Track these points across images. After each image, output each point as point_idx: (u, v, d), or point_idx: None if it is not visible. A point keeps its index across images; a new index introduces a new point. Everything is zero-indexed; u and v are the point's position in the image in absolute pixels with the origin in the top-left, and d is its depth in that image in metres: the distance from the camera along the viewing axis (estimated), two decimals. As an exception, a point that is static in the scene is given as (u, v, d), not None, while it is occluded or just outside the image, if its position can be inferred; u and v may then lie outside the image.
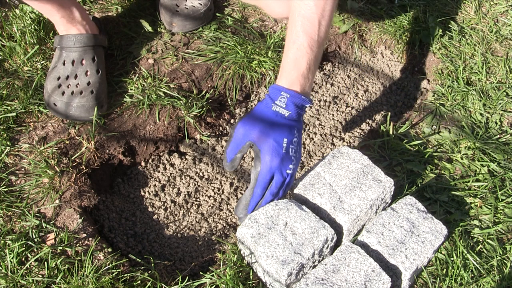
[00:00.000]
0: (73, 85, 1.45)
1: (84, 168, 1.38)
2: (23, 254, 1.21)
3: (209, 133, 1.56)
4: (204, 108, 1.54)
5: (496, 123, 1.55)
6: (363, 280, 1.11)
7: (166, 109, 1.52)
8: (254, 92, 1.65)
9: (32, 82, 1.51)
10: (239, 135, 1.21)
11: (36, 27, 1.61)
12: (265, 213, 1.19)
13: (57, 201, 1.31)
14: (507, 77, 1.64)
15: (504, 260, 1.27)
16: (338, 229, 1.22)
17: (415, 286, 1.23)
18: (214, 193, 1.46)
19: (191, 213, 1.43)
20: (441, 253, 1.26)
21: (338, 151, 1.32)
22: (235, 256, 1.24)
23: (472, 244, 1.29)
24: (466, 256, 1.25)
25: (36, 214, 1.29)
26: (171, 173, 1.49)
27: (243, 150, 1.21)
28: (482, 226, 1.33)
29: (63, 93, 1.44)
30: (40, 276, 1.17)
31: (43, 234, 1.26)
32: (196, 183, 1.48)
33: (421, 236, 1.20)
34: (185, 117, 1.52)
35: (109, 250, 1.25)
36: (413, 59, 1.77)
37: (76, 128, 1.45)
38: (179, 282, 1.19)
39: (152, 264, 1.25)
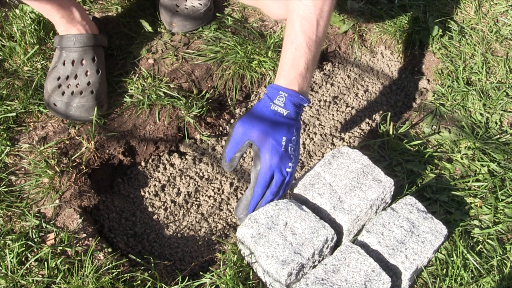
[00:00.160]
0: (73, 85, 1.45)
1: (84, 168, 1.38)
2: (23, 254, 1.21)
3: (209, 133, 1.56)
4: (204, 108, 1.54)
5: (496, 123, 1.55)
6: (363, 280, 1.11)
7: (166, 109, 1.52)
8: (254, 92, 1.65)
9: (32, 82, 1.51)
10: (238, 134, 1.21)
11: (36, 27, 1.61)
12: (265, 213, 1.19)
13: (57, 201, 1.31)
14: (507, 77, 1.64)
15: (504, 260, 1.27)
16: (338, 229, 1.22)
17: (415, 286, 1.23)
18: (214, 193, 1.46)
19: (191, 213, 1.43)
20: (441, 253, 1.26)
21: (338, 151, 1.32)
22: (235, 256, 1.24)
23: (472, 244, 1.29)
24: (466, 256, 1.25)
25: (36, 214, 1.29)
26: (171, 173, 1.49)
27: (242, 149, 1.22)
28: (482, 226, 1.33)
29: (63, 93, 1.44)
30: (40, 276, 1.17)
31: (43, 234, 1.26)
32: (196, 183, 1.48)
33: (421, 236, 1.20)
34: (185, 117, 1.52)
35: (109, 250, 1.25)
36: (413, 59, 1.77)
37: (76, 128, 1.45)
38: (179, 282, 1.19)
39: (152, 264, 1.25)
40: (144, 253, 1.33)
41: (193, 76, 1.60)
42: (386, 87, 1.72)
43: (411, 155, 1.47)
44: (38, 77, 1.51)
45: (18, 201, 1.31)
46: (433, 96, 1.63)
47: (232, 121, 1.61)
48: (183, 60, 1.62)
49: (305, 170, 1.50)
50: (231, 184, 1.48)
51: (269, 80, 1.63)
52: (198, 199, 1.45)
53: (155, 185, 1.47)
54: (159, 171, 1.49)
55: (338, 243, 1.23)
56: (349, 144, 1.56)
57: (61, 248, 1.23)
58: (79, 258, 1.21)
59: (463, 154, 1.47)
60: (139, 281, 1.19)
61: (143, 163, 1.51)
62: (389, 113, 1.56)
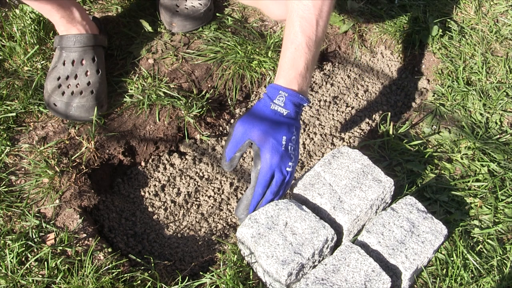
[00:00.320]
0: (73, 85, 1.45)
1: (84, 168, 1.38)
2: (23, 254, 1.21)
3: (209, 133, 1.56)
4: (204, 108, 1.54)
5: (496, 123, 1.55)
6: (363, 280, 1.11)
7: (166, 109, 1.52)
8: (254, 92, 1.65)
9: (32, 82, 1.51)
10: (238, 133, 1.21)
11: (36, 27, 1.61)
12: (265, 213, 1.19)
13: (57, 201, 1.31)
14: (507, 77, 1.64)
15: (504, 260, 1.27)
16: (338, 229, 1.22)
17: (415, 286, 1.23)
18: (214, 193, 1.46)
19: (191, 213, 1.43)
20: (441, 253, 1.26)
21: (338, 151, 1.32)
22: (235, 256, 1.24)
23: (472, 244, 1.29)
24: (466, 256, 1.25)
25: (36, 214, 1.29)
26: (171, 173, 1.49)
27: (242, 148, 1.22)
28: (482, 226, 1.33)
29: (63, 93, 1.44)
30: (40, 276, 1.17)
31: (43, 234, 1.26)
32: (196, 183, 1.48)
33: (421, 236, 1.20)
34: (185, 117, 1.52)
35: (109, 250, 1.25)
36: (413, 59, 1.77)
37: (76, 128, 1.45)
38: (179, 282, 1.19)
39: (152, 264, 1.25)
40: (144, 253, 1.33)
41: (193, 76, 1.60)
42: (386, 87, 1.72)
43: (411, 155, 1.47)
44: (38, 77, 1.51)
45: (18, 201, 1.31)
46: (433, 96, 1.63)
47: (232, 121, 1.61)
48: (183, 60, 1.62)
49: (305, 170, 1.50)
50: (231, 184, 1.48)
51: (269, 80, 1.63)
52: (198, 199, 1.45)
53: (155, 185, 1.47)
54: (159, 171, 1.49)
55: (338, 243, 1.23)
56: (349, 144, 1.56)
57: (61, 248, 1.23)
58: (79, 258, 1.21)
59: (463, 154, 1.47)
60: (139, 281, 1.19)
61: (143, 163, 1.51)
62: (389, 113, 1.56)
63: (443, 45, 1.73)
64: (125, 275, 1.19)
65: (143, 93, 1.52)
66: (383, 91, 1.71)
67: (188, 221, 1.41)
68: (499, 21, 1.80)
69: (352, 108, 1.65)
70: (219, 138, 1.57)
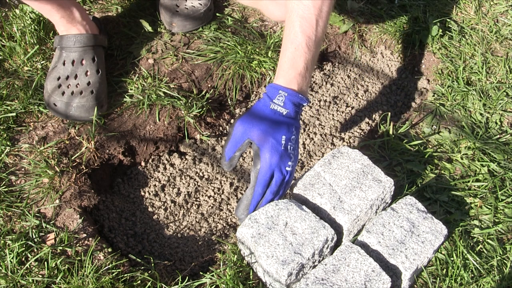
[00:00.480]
0: (73, 85, 1.45)
1: (84, 168, 1.38)
2: (23, 254, 1.21)
3: (209, 133, 1.56)
4: (204, 108, 1.54)
5: (496, 123, 1.55)
6: (363, 280, 1.11)
7: (166, 109, 1.52)
8: (254, 92, 1.65)
9: (32, 82, 1.51)
10: (238, 133, 1.21)
11: (36, 27, 1.61)
12: (265, 213, 1.19)
13: (57, 201, 1.31)
14: (507, 77, 1.64)
15: (504, 260, 1.27)
16: (338, 229, 1.22)
17: (415, 286, 1.23)
18: (214, 193, 1.46)
19: (191, 213, 1.43)
20: (441, 253, 1.26)
21: (338, 151, 1.32)
22: (235, 256, 1.24)
23: (472, 244, 1.29)
24: (466, 256, 1.25)
25: (36, 214, 1.29)
26: (171, 173, 1.49)
27: (242, 148, 1.22)
28: (482, 226, 1.33)
29: (63, 93, 1.44)
30: (40, 276, 1.17)
31: (43, 234, 1.26)
32: (196, 183, 1.48)
33: (421, 236, 1.20)
34: (185, 117, 1.52)
35: (109, 250, 1.25)
36: (413, 59, 1.77)
37: (76, 128, 1.45)
38: (179, 282, 1.19)
39: (152, 264, 1.25)
40: (144, 253, 1.33)
41: (193, 76, 1.60)
42: (386, 87, 1.72)
43: (411, 155, 1.47)
44: (38, 77, 1.51)
45: (18, 201, 1.31)
46: (433, 96, 1.63)
47: (232, 121, 1.61)
48: (183, 60, 1.62)
49: (305, 170, 1.50)
50: (231, 184, 1.48)
51: (269, 80, 1.63)
52: (198, 199, 1.45)
53: (155, 185, 1.47)
54: (159, 171, 1.49)
55: (338, 243, 1.23)
56: (349, 144, 1.56)
57: (61, 248, 1.23)
58: (79, 258, 1.21)
59: (463, 154, 1.47)
60: (139, 281, 1.19)
61: (143, 163, 1.51)
62: (389, 113, 1.56)
63: (443, 45, 1.73)
64: (125, 275, 1.19)
65: (143, 93, 1.52)
66: (383, 91, 1.71)
67: (188, 221, 1.41)
68: (499, 21, 1.80)
69: (352, 108, 1.65)
70: (219, 138, 1.57)
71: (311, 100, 1.65)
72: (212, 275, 1.20)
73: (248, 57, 1.61)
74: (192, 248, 1.36)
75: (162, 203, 1.44)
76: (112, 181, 1.47)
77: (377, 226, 1.21)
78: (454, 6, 1.82)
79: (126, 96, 1.52)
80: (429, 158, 1.46)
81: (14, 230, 1.26)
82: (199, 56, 1.63)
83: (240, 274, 1.21)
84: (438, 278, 1.22)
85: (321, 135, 1.58)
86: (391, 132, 1.52)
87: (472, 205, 1.37)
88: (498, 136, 1.51)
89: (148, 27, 1.68)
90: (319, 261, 1.18)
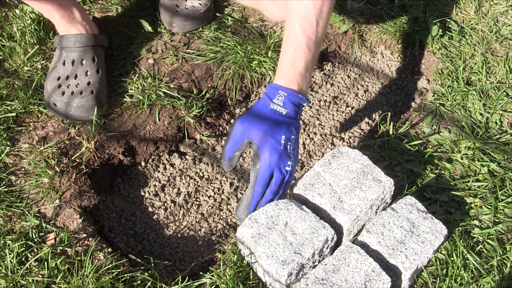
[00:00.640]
0: (73, 85, 1.45)
1: (84, 168, 1.38)
2: (23, 254, 1.21)
3: (209, 133, 1.56)
4: (204, 108, 1.54)
5: (496, 123, 1.55)
6: (363, 280, 1.11)
7: (166, 109, 1.52)
8: (254, 92, 1.65)
9: (32, 82, 1.51)
10: (237, 133, 1.22)
11: (36, 27, 1.61)
12: (265, 213, 1.19)
13: (57, 201, 1.31)
14: (507, 77, 1.64)
15: (504, 260, 1.27)
16: (338, 229, 1.22)
17: (415, 286, 1.23)
18: (214, 193, 1.46)
19: (191, 213, 1.43)
20: (441, 253, 1.26)
21: (338, 151, 1.32)
22: (235, 256, 1.24)
23: (472, 244, 1.29)
24: (466, 256, 1.25)
25: (36, 214, 1.29)
26: (171, 173, 1.49)
27: (242, 148, 1.22)
28: (482, 226, 1.33)
29: (63, 93, 1.44)
30: (40, 276, 1.17)
31: (43, 234, 1.26)
32: (196, 183, 1.48)
33: (421, 236, 1.20)
34: (185, 117, 1.52)
35: (109, 250, 1.25)
36: (413, 59, 1.77)
37: (76, 128, 1.45)
38: (179, 282, 1.19)
39: (152, 264, 1.25)
40: (144, 253, 1.33)
41: (193, 76, 1.60)
42: (386, 87, 1.72)
43: (411, 155, 1.47)
44: (38, 77, 1.51)
45: (18, 201, 1.31)
46: (433, 96, 1.63)
47: (232, 121, 1.61)
48: (183, 60, 1.62)
49: (305, 170, 1.50)
50: (231, 184, 1.48)
51: (269, 80, 1.63)
52: (198, 199, 1.45)
53: (155, 185, 1.47)
54: (159, 171, 1.49)
55: (338, 243, 1.23)
56: (349, 144, 1.56)
57: (61, 248, 1.23)
58: (79, 258, 1.21)
59: (463, 154, 1.47)
60: (139, 281, 1.19)
61: (143, 163, 1.51)
62: (389, 113, 1.56)
63: (443, 45, 1.73)
64: (125, 275, 1.19)
65: (143, 93, 1.52)
66: (383, 91, 1.71)
67: (188, 221, 1.41)
68: (499, 21, 1.80)
69: (352, 108, 1.65)
70: (219, 138, 1.57)
71: (311, 100, 1.65)
72: (212, 275, 1.20)
73: (248, 57, 1.61)
74: (192, 248, 1.36)
75: (162, 203, 1.44)
76: (112, 181, 1.47)
77: (377, 226, 1.21)
78: (454, 6, 1.82)
79: (126, 96, 1.52)
80: (429, 158, 1.46)
81: (14, 230, 1.26)
82: (199, 56, 1.63)
83: (240, 274, 1.21)
84: (438, 278, 1.22)
85: (321, 135, 1.58)
86: (391, 132, 1.52)
87: (472, 205, 1.37)
88: (498, 136, 1.51)
89: (148, 27, 1.68)
90: (319, 261, 1.18)
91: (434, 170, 1.44)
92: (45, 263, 1.19)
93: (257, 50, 1.63)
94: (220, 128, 1.59)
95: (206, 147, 1.55)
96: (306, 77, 1.23)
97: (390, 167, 1.45)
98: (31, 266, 1.19)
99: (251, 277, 1.22)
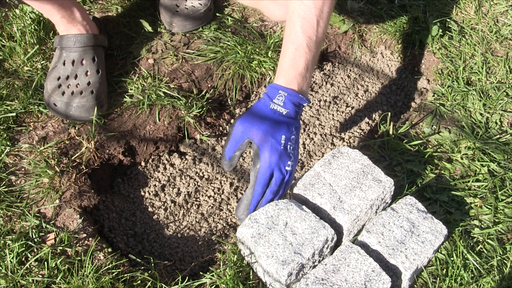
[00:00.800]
0: (73, 85, 1.45)
1: (84, 168, 1.38)
2: (23, 254, 1.21)
3: (209, 133, 1.56)
4: (204, 108, 1.54)
5: (496, 123, 1.55)
6: (363, 280, 1.11)
7: (166, 109, 1.52)
8: (254, 92, 1.65)
9: (32, 82, 1.51)
10: (238, 132, 1.22)
11: (36, 27, 1.61)
12: (265, 213, 1.19)
13: (57, 201, 1.31)
14: (507, 77, 1.64)
15: (504, 260, 1.27)
16: (338, 229, 1.22)
17: (415, 286, 1.23)
18: (214, 193, 1.46)
19: (191, 213, 1.43)
20: (441, 253, 1.26)
21: (338, 151, 1.32)
22: (235, 256, 1.24)
23: (472, 244, 1.29)
24: (466, 256, 1.25)
25: (36, 214, 1.29)
26: (171, 173, 1.49)
27: (242, 147, 1.22)
28: (482, 226, 1.33)
29: (63, 93, 1.44)
30: (40, 276, 1.17)
31: (43, 234, 1.26)
32: (196, 183, 1.48)
33: (421, 236, 1.20)
34: (185, 117, 1.52)
35: (109, 250, 1.25)
36: (413, 59, 1.77)
37: (76, 128, 1.45)
38: (179, 282, 1.19)
39: (152, 264, 1.25)
40: (144, 253, 1.33)
41: (193, 76, 1.60)
42: (386, 87, 1.72)
43: (411, 155, 1.47)
44: (38, 77, 1.51)
45: (18, 201, 1.31)
46: (433, 96, 1.63)
47: (232, 121, 1.61)
48: (183, 60, 1.62)
49: (305, 170, 1.50)
50: (231, 184, 1.48)
51: (269, 80, 1.63)
52: (198, 199, 1.45)
53: (155, 185, 1.47)
54: (159, 171, 1.49)
55: (338, 243, 1.23)
56: (349, 144, 1.56)
57: (61, 248, 1.23)
58: (79, 258, 1.21)
59: (463, 154, 1.47)
60: (139, 281, 1.19)
61: (143, 163, 1.51)
62: (389, 113, 1.56)
63: (443, 45, 1.73)
64: (125, 275, 1.19)
65: (143, 93, 1.52)
66: (383, 91, 1.71)
67: (188, 221, 1.41)
68: (499, 21, 1.80)
69: (352, 108, 1.65)
70: (219, 138, 1.57)
71: (311, 100, 1.65)
72: (212, 275, 1.20)
73: (248, 57, 1.61)
74: (192, 248, 1.36)
75: (162, 203, 1.44)
76: (112, 181, 1.47)
77: (377, 226, 1.21)
78: (454, 6, 1.82)
79: (126, 96, 1.52)
80: (429, 158, 1.46)
81: (14, 230, 1.26)
82: (199, 56, 1.63)
83: (240, 274, 1.21)
84: (438, 278, 1.22)
85: (321, 135, 1.58)
86: (391, 132, 1.52)
87: (472, 205, 1.37)
88: (498, 136, 1.51)
89: (148, 27, 1.68)
90: (319, 261, 1.18)
91: (434, 170, 1.44)
92: (45, 263, 1.19)
93: (257, 50, 1.63)
94: (220, 128, 1.59)
95: (206, 147, 1.55)
96: (306, 77, 1.24)
97: (390, 167, 1.45)
98: (31, 266, 1.19)
99: (251, 277, 1.22)
